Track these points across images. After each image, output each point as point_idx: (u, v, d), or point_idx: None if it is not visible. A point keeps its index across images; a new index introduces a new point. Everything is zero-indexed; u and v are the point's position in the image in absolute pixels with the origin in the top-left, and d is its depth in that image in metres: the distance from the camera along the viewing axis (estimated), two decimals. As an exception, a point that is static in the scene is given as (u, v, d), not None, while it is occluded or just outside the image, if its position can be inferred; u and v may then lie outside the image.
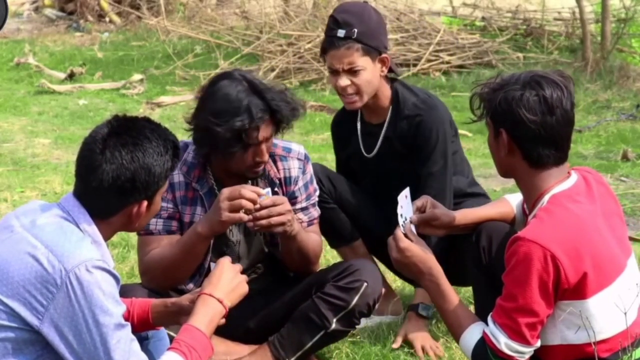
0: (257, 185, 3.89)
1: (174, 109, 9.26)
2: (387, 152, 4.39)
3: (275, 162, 3.95)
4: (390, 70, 4.35)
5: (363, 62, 4.21)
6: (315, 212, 4.07)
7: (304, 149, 4.04)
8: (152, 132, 3.01)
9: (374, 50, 4.23)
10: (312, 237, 3.99)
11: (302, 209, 4.01)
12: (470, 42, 10.90)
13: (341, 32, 4.20)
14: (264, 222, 3.73)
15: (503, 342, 3.21)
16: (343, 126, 4.56)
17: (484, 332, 3.27)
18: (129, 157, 2.95)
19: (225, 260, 3.21)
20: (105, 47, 12.04)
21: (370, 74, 4.24)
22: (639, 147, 7.92)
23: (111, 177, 2.93)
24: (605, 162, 7.53)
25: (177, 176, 3.86)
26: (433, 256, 3.45)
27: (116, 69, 11.00)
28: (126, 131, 2.99)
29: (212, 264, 3.26)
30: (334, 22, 4.24)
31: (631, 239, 3.54)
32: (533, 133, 3.20)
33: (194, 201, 3.89)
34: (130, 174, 2.95)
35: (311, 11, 11.38)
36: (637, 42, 11.77)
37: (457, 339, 3.40)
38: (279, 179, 3.95)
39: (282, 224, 3.75)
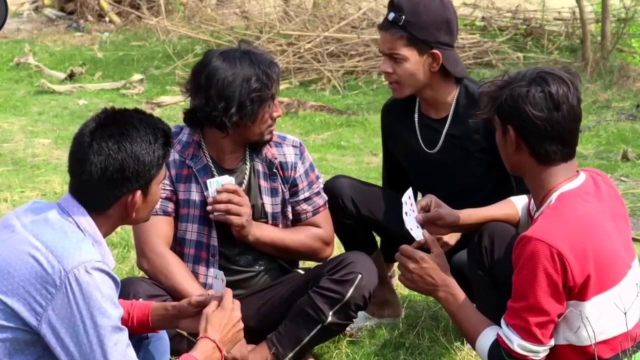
0: (254, 167, 3.94)
1: (174, 109, 9.25)
2: (451, 148, 4.15)
3: (270, 147, 3.98)
4: (444, 68, 4.06)
5: (406, 52, 4.03)
6: (321, 200, 4.07)
7: (298, 139, 4.06)
8: (141, 121, 3.00)
9: (422, 42, 4.02)
10: (300, 234, 3.99)
11: (306, 200, 4.03)
12: (470, 42, 10.89)
13: (391, 16, 4.04)
14: (222, 206, 3.81)
15: (516, 343, 3.21)
16: (396, 115, 4.33)
17: (497, 334, 3.28)
18: (115, 147, 2.93)
19: (228, 304, 3.14)
20: (105, 47, 12.01)
21: (413, 66, 4.04)
22: (639, 147, 7.92)
23: (99, 169, 2.93)
24: (605, 162, 7.52)
25: (172, 155, 3.87)
26: (447, 264, 3.48)
27: (116, 69, 10.98)
28: (113, 122, 2.99)
29: (218, 273, 3.22)
30: (390, 3, 4.08)
31: (633, 239, 3.53)
32: (539, 129, 3.21)
33: (188, 179, 3.91)
34: (118, 164, 2.94)
35: (311, 11, 11.36)
36: (637, 42, 11.77)
37: (472, 344, 3.41)
38: (277, 163, 3.96)
39: (239, 214, 3.81)
